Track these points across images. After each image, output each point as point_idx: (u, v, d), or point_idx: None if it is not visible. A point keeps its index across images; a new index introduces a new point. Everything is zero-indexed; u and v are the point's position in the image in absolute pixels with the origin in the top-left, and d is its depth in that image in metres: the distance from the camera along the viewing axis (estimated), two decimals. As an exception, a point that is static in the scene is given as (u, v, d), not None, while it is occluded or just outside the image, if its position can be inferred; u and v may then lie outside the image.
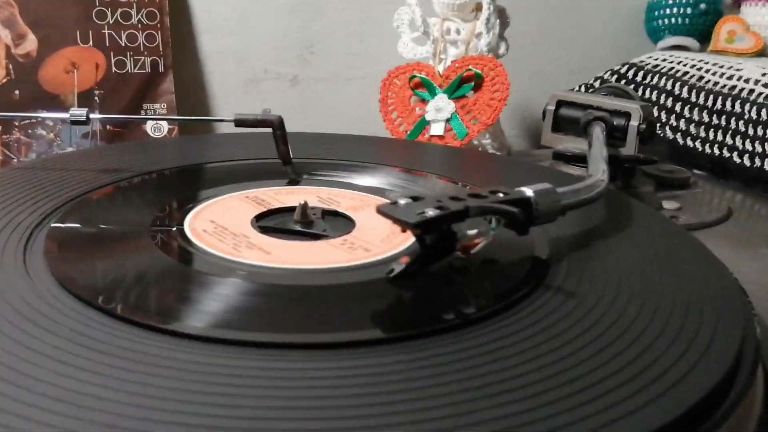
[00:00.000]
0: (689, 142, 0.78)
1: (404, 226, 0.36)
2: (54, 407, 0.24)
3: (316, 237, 0.43)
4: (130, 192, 0.48)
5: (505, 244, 0.40)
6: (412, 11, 0.71)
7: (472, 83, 0.67)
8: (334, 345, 0.30)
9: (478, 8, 0.71)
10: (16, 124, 0.64)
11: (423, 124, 0.69)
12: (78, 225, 0.41)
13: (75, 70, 0.65)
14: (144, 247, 0.39)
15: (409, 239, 0.42)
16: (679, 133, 0.79)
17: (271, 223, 0.45)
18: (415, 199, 0.37)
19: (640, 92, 0.83)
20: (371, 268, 0.38)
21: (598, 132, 0.60)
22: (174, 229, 0.41)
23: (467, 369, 0.28)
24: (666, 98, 0.81)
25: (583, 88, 0.84)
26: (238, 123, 0.51)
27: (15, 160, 0.64)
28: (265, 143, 0.55)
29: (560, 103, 0.68)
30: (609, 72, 0.86)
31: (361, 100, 0.74)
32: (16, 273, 0.35)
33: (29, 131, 0.64)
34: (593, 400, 0.26)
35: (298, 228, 0.44)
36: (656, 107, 0.81)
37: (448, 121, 0.67)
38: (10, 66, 0.64)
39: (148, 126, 0.67)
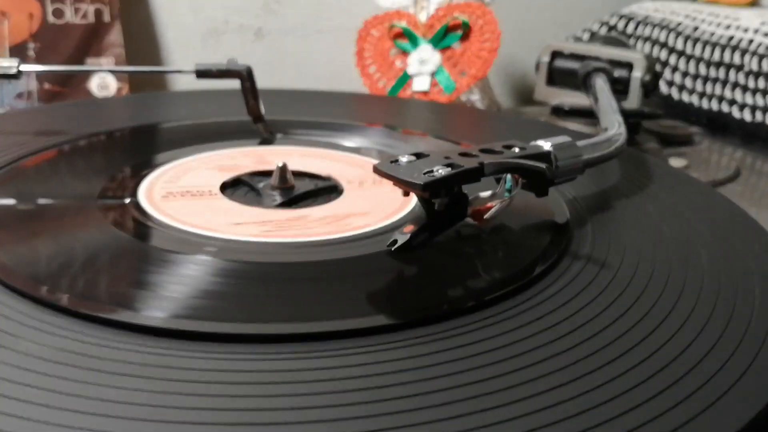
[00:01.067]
0: (684, 97, 0.73)
1: (409, 187, 0.30)
2: None
3: (296, 204, 0.36)
4: (73, 157, 0.41)
5: (519, 209, 0.34)
6: (390, -46, 0.63)
7: (459, 32, 0.61)
8: (319, 336, 0.23)
9: (462, -50, 0.64)
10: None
11: (405, 78, 0.62)
12: (11, 199, 0.34)
13: (5, 21, 0.56)
14: (91, 222, 0.32)
15: (403, 208, 0.36)
16: (673, 87, 0.74)
17: (242, 189, 0.38)
18: (418, 156, 0.31)
19: (631, 44, 0.77)
20: (362, 240, 0.32)
21: (601, 83, 0.54)
22: (127, 200, 0.34)
23: (481, 368, 0.22)
24: (659, 50, 0.75)
25: (571, 41, 0.77)
26: (200, 74, 0.44)
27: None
28: (231, 101, 0.48)
29: (555, 55, 0.62)
30: (598, 23, 0.80)
31: (333, 54, 0.67)
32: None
33: (-45, 91, 0.55)
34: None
35: (275, 195, 0.37)
36: (649, 60, 0.75)
37: (433, 74, 0.61)
38: (-72, 15, 0.55)
39: (93, 84, 0.59)
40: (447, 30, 0.61)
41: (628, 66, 0.57)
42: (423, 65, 0.61)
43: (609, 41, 0.65)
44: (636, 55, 0.57)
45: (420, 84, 0.61)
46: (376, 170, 0.30)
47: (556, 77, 0.62)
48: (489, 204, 0.33)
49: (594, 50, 0.60)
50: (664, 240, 0.33)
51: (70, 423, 0.18)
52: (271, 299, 0.27)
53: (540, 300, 0.27)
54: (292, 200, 0.36)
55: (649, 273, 0.29)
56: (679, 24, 0.75)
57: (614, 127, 0.42)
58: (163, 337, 0.23)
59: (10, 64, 0.42)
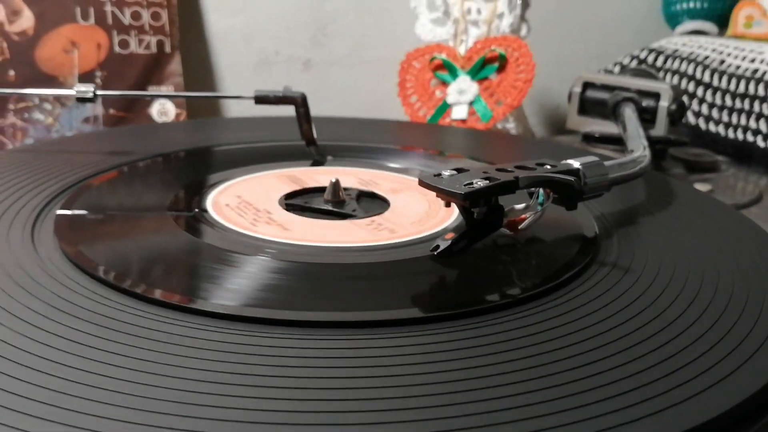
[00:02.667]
0: (711, 127, 0.75)
1: (451, 197, 0.33)
2: (84, 393, 0.22)
3: (348, 216, 0.40)
4: (139, 176, 0.45)
5: (550, 222, 0.37)
6: (429, -10, 0.68)
7: (496, 64, 0.64)
8: (364, 324, 0.27)
9: (499, -13, 0.68)
10: (11, 107, 0.60)
11: (444, 107, 0.66)
12: (84, 210, 0.38)
13: (75, 50, 0.61)
14: (165, 229, 0.36)
15: (445, 220, 0.39)
16: (701, 118, 0.76)
17: (299, 201, 0.41)
18: (459, 170, 0.34)
19: (660, 77, 0.80)
20: (407, 246, 0.35)
21: (629, 112, 0.57)
22: (195, 210, 0.38)
23: (510, 350, 0.26)
24: (687, 83, 0.78)
25: (603, 74, 0.81)
26: (259, 100, 0.48)
27: (10, 146, 0.60)
28: (279, 127, 0.52)
29: (586, 85, 0.65)
30: (629, 57, 0.83)
31: (376, 84, 0.71)
32: (25, 255, 0.31)
33: (25, 115, 0.60)
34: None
35: (327, 207, 0.41)
36: (678, 92, 0.78)
37: (471, 103, 0.64)
38: (5, 44, 0.60)
39: (154, 110, 0.64)
40: (484, 62, 0.65)
41: (656, 96, 0.60)
42: (461, 95, 0.65)
43: (638, 73, 0.68)
44: (663, 86, 0.60)
45: (458, 113, 0.64)
46: (421, 183, 0.34)
47: (588, 107, 0.65)
48: (523, 216, 0.36)
49: (623, 81, 0.63)
50: (685, 251, 0.36)
51: (161, 394, 0.22)
52: (322, 293, 0.30)
53: (567, 300, 0.30)
54: (342, 212, 0.40)
55: (668, 279, 0.32)
56: (706, 57, 0.78)
57: (639, 150, 0.45)
58: (235, 321, 0.27)
59: (87, 89, 0.47)
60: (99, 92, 0.47)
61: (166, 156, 0.47)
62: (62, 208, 0.37)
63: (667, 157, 0.62)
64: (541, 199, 0.36)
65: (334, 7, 0.73)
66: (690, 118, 0.77)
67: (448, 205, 0.34)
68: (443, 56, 0.66)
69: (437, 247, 0.34)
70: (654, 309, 0.29)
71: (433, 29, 0.69)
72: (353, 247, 0.35)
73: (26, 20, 0.60)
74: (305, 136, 0.48)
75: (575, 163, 0.37)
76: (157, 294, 0.28)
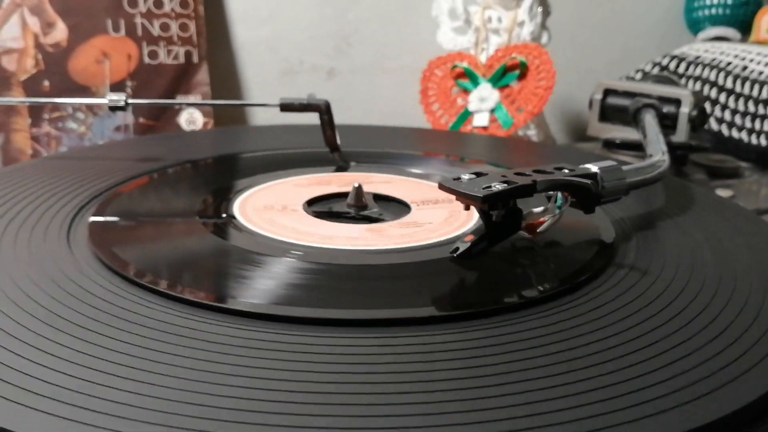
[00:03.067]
0: (734, 133, 0.75)
1: (470, 200, 0.34)
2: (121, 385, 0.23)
3: (371, 220, 0.41)
4: (168, 182, 0.46)
5: (569, 226, 0.38)
6: (453, 0, 0.69)
7: (517, 72, 0.65)
8: (387, 322, 0.28)
9: (520, -4, 0.69)
10: (46, 117, 0.62)
11: (466, 115, 0.66)
12: (116, 217, 0.39)
13: (106, 61, 0.63)
14: (194, 230, 0.37)
15: (464, 224, 0.40)
16: (723, 125, 0.76)
17: (322, 206, 0.43)
18: (478, 174, 0.35)
19: (683, 83, 0.81)
20: (428, 249, 0.36)
21: (649, 118, 0.58)
22: (224, 215, 0.39)
23: (528, 349, 0.26)
24: (710, 89, 0.78)
25: (624, 81, 0.81)
26: (284, 107, 0.49)
27: (45, 154, 0.62)
28: (304, 134, 0.53)
29: (607, 92, 0.66)
30: (651, 64, 0.83)
31: (399, 92, 0.72)
32: (62, 258, 0.33)
33: (59, 124, 0.62)
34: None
35: (351, 211, 0.42)
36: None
37: (492, 111, 0.65)
38: (39, 56, 0.62)
39: (182, 119, 0.65)
40: (505, 69, 0.66)
41: (677, 102, 0.61)
42: (483, 102, 0.66)
43: (660, 80, 0.69)
44: (684, 92, 0.61)
45: (480, 120, 0.65)
46: (441, 186, 0.34)
47: (608, 113, 0.65)
48: (541, 219, 0.37)
49: (644, 88, 0.63)
50: (703, 254, 0.36)
51: (182, 384, 0.23)
52: (345, 292, 0.31)
53: (584, 301, 0.31)
54: (365, 216, 0.41)
55: (686, 281, 0.33)
56: (729, 63, 0.78)
57: (658, 155, 0.46)
58: (259, 319, 0.28)
59: (119, 98, 0.48)
60: (130, 101, 0.48)
61: (194, 162, 0.49)
62: (95, 214, 0.38)
63: (689, 163, 0.62)
64: (559, 202, 0.37)
65: (357, 17, 0.75)
66: (713, 124, 0.77)
67: (467, 208, 0.35)
68: (464, 64, 0.67)
69: (457, 249, 0.35)
70: (671, 309, 0.30)
71: (455, 38, 0.70)
72: (373, 249, 0.36)
73: (60, 32, 0.62)
74: (329, 142, 0.49)
75: (593, 168, 0.38)
76: (188, 294, 0.29)
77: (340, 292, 0.31)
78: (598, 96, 0.66)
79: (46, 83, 0.62)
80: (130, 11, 0.64)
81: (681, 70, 0.82)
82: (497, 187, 0.34)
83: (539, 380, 0.24)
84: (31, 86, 0.62)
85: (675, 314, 0.30)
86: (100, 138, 0.63)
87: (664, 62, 0.83)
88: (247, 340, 0.26)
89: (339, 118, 0.68)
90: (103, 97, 0.60)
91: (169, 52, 0.65)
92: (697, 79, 0.80)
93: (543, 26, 0.71)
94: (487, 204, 0.33)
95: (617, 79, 0.81)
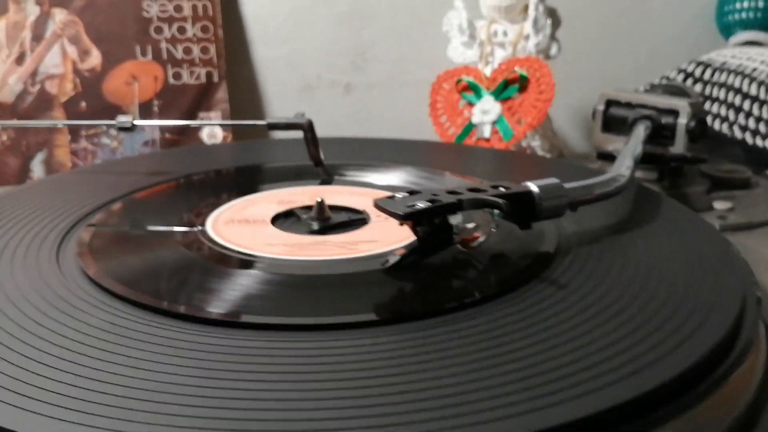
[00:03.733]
0: (758, 142, 0.74)
1: (394, 217, 0.37)
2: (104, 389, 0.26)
3: (328, 232, 0.44)
4: (169, 193, 0.51)
5: (518, 238, 0.40)
6: (459, 15, 0.71)
7: (517, 85, 0.67)
8: (326, 327, 0.31)
9: (527, 10, 0.71)
10: (83, 133, 0.68)
11: (470, 127, 0.69)
12: (108, 227, 0.44)
13: (135, 83, 0.69)
14: (166, 244, 0.42)
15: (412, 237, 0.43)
16: (747, 132, 0.75)
17: (291, 219, 0.46)
18: (412, 193, 0.38)
19: (708, 90, 0.80)
20: (369, 260, 0.39)
21: (639, 130, 0.59)
22: (197, 228, 0.44)
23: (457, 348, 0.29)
24: (734, 96, 0.77)
25: (627, 91, 0.81)
26: (271, 126, 0.53)
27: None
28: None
29: (609, 103, 0.66)
30: (676, 71, 0.83)
31: (414, 105, 0.75)
32: (50, 273, 0.37)
33: (95, 140, 0.68)
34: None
35: (313, 224, 0.45)
36: (725, 106, 0.77)
37: (494, 123, 0.67)
38: (77, 80, 0.68)
39: (204, 134, 0.71)
40: (507, 83, 0.68)
41: (675, 113, 0.61)
42: (485, 115, 0.68)
43: (669, 90, 0.69)
44: (681, 103, 0.61)
45: (482, 132, 0.68)
46: (375, 204, 0.38)
47: (611, 124, 0.66)
48: (475, 234, 0.40)
49: (644, 99, 0.64)
50: (638, 271, 0.38)
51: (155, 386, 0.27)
52: (291, 300, 0.35)
53: (508, 306, 0.33)
54: (325, 228, 0.44)
55: (613, 298, 0.34)
56: (754, 70, 0.77)
57: (619, 170, 0.47)
58: (219, 326, 0.31)
59: (126, 119, 0.53)
60: (137, 122, 0.54)
61: (192, 175, 0.53)
62: (89, 224, 0.44)
63: (686, 174, 0.62)
64: (495, 217, 0.39)
65: (372, 34, 0.78)
66: (737, 132, 0.76)
67: (401, 224, 0.38)
68: (469, 78, 0.70)
69: (387, 261, 0.38)
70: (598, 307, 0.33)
71: (464, 52, 0.72)
72: (324, 260, 0.39)
73: (95, 58, 0.68)
74: (313, 157, 0.53)
75: (533, 186, 0.40)
76: (147, 300, 0.33)
77: (286, 300, 0.35)
78: (601, 107, 0.66)
79: (83, 104, 0.68)
80: (156, 37, 0.69)
81: (706, 76, 0.81)
82: (419, 205, 0.36)
83: (470, 373, 0.27)
84: (70, 107, 0.68)
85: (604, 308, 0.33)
86: (130, 152, 0.68)
87: (690, 69, 0.82)
88: (199, 344, 0.30)
89: (356, 130, 0.72)
90: (134, 114, 0.66)
91: (191, 73, 0.70)
92: (722, 86, 0.79)
93: (552, 38, 0.72)
94: (409, 221, 0.37)
95: (642, 88, 0.81)
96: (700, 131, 0.62)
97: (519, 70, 0.67)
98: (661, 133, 0.62)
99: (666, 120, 0.62)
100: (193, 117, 0.70)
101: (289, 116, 0.53)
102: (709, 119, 0.79)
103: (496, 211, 0.39)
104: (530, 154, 0.70)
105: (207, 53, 0.70)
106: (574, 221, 0.44)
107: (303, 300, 0.35)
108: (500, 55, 0.70)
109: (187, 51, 0.70)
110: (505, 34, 0.70)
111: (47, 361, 0.28)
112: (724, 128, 0.77)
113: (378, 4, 0.78)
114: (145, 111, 0.69)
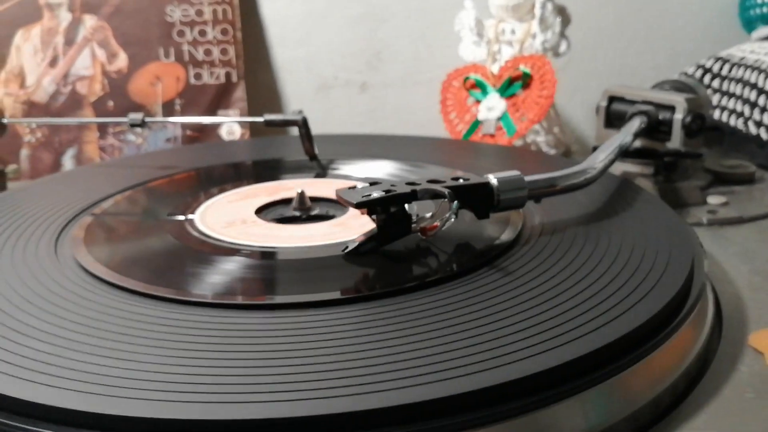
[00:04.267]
0: (774, 137, 0.74)
1: (349, 205, 0.39)
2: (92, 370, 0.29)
3: (308, 221, 0.47)
4: (172, 185, 0.55)
5: (481, 226, 0.43)
6: (469, 15, 0.73)
7: (520, 82, 0.69)
8: (283, 306, 0.35)
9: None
10: (111, 130, 0.73)
11: (477, 123, 0.71)
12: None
13: (159, 83, 0.74)
14: (156, 231, 0.45)
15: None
16: (762, 128, 0.75)
17: (275, 209, 0.49)
18: (372, 183, 0.41)
19: (726, 86, 0.79)
20: (333, 247, 0.42)
21: (631, 124, 0.60)
22: (182, 217, 0.47)
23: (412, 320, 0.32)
24: (750, 91, 0.77)
25: (627, 87, 0.81)
26: (268, 123, 0.56)
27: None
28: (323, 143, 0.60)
29: (612, 99, 0.67)
30: (695, 66, 0.83)
31: (429, 103, 0.77)
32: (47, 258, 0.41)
33: (121, 137, 0.73)
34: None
35: (295, 213, 0.48)
36: (741, 101, 0.77)
37: (499, 119, 0.69)
38: (105, 81, 0.73)
39: (223, 131, 0.75)
40: (511, 80, 0.69)
41: (672, 109, 0.62)
42: (490, 111, 0.69)
43: (676, 86, 0.69)
44: (678, 98, 0.62)
45: (487, 128, 0.69)
46: (336, 194, 0.40)
47: (614, 120, 0.67)
48: (435, 223, 0.42)
49: (644, 95, 0.65)
50: (599, 253, 0.40)
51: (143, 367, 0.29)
52: (255, 282, 0.39)
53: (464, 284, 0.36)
54: (306, 218, 0.48)
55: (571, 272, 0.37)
56: (772, 65, 0.76)
57: (592, 162, 0.49)
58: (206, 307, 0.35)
59: (137, 116, 0.57)
60: (147, 119, 0.58)
61: (200, 169, 0.57)
62: (92, 215, 0.48)
63: (687, 169, 0.63)
64: (454, 207, 0.42)
65: (387, 35, 0.81)
66: (751, 128, 0.76)
67: (362, 212, 0.41)
68: (476, 76, 0.71)
69: (346, 247, 0.41)
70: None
71: (474, 50, 0.74)
72: (294, 247, 0.42)
73: (121, 61, 0.73)
74: (307, 152, 0.56)
75: (492, 179, 0.42)
76: (128, 284, 0.37)
77: (254, 282, 0.39)
78: (603, 103, 0.67)
79: (111, 103, 0.73)
80: (178, 40, 0.74)
81: (724, 72, 0.80)
82: (374, 195, 0.39)
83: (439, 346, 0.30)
84: (98, 106, 0.73)
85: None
86: (153, 147, 0.73)
87: (708, 64, 0.82)
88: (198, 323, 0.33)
89: (371, 128, 0.75)
90: (156, 114, 0.70)
91: (211, 73, 0.74)
92: (738, 81, 0.78)
93: (562, 35, 0.73)
94: (361, 209, 0.39)
95: (657, 83, 0.82)
96: (696, 127, 0.62)
97: (522, 68, 0.69)
98: (658, 129, 0.63)
99: (663, 115, 0.63)
100: (213, 115, 0.74)
101: (285, 114, 0.56)
102: (725, 115, 0.79)
103: (456, 202, 0.41)
104: (528, 150, 0.71)
105: (226, 54, 0.74)
106: (543, 210, 0.46)
107: (271, 282, 0.39)
108: (508, 53, 0.72)
109: (208, 53, 0.74)
110: (513, 32, 0.72)
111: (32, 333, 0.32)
112: (740, 124, 0.77)
113: (392, 5, 0.81)
114: (168, 110, 0.74)
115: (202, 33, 0.74)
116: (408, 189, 0.40)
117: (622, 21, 0.86)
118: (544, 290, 0.35)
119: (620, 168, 0.64)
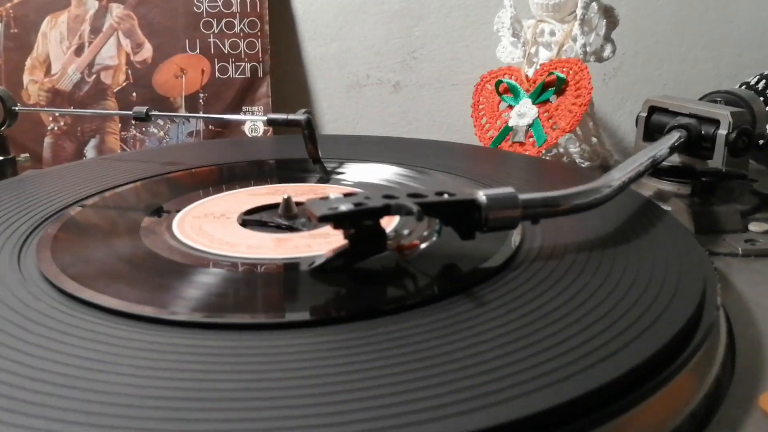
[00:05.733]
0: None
1: (312, 218, 0.36)
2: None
3: (292, 230, 0.44)
4: (162, 184, 0.53)
5: (468, 248, 0.39)
6: (507, 13, 0.69)
7: (554, 88, 0.64)
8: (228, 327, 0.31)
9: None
10: (133, 122, 0.72)
11: (507, 130, 0.66)
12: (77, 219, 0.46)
13: (183, 75, 0.72)
14: (128, 236, 0.43)
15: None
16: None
17: (259, 215, 0.47)
18: (346, 195, 0.38)
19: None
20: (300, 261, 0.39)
21: (667, 138, 0.54)
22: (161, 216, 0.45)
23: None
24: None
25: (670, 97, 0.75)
26: (270, 122, 0.54)
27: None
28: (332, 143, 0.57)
29: (653, 109, 0.62)
30: (758, 77, 0.76)
31: (465, 107, 0.73)
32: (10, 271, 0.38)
33: (143, 129, 0.72)
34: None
35: (279, 221, 0.45)
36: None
37: (530, 126, 0.65)
38: (129, 71, 0.72)
39: (246, 127, 0.73)
40: (545, 85, 0.65)
41: (716, 123, 0.56)
42: (521, 118, 0.65)
43: (727, 97, 0.63)
44: (723, 112, 0.56)
45: (517, 136, 0.65)
46: (305, 204, 0.37)
47: (653, 133, 0.61)
48: (414, 242, 0.39)
49: (688, 106, 0.59)
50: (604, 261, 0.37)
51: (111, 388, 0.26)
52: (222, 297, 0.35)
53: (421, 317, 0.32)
54: (288, 226, 0.45)
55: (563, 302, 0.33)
56: None
57: (604, 181, 0.44)
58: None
59: (141, 110, 0.56)
60: (152, 113, 0.56)
61: (204, 167, 0.55)
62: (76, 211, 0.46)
63: (733, 190, 0.57)
64: (437, 226, 0.38)
65: (424, 33, 0.77)
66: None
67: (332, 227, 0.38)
68: (509, 79, 0.67)
69: (313, 262, 0.38)
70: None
71: (512, 51, 0.70)
72: (258, 259, 0.39)
73: (147, 51, 0.72)
74: (310, 154, 0.53)
75: (481, 196, 0.38)
76: (88, 296, 0.34)
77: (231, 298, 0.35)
78: (644, 114, 0.62)
79: (134, 94, 0.72)
80: (204, 32, 0.72)
81: (789, 84, 0.73)
82: (342, 208, 0.36)
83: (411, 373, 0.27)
84: (121, 97, 0.72)
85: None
86: (175, 141, 0.72)
87: (772, 75, 0.75)
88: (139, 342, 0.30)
89: (403, 129, 0.72)
90: (180, 106, 0.69)
91: (237, 67, 0.72)
92: (804, 94, 0.71)
93: (607, 39, 0.68)
94: (326, 223, 0.36)
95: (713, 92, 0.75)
96: (743, 144, 0.56)
97: (556, 73, 0.64)
98: (701, 145, 0.57)
99: (706, 130, 0.57)
100: (237, 110, 0.72)
101: (288, 113, 0.54)
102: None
103: (439, 222, 0.38)
104: (553, 162, 0.66)
105: (253, 48, 0.72)
106: (547, 230, 0.42)
107: (227, 298, 0.35)
108: (545, 55, 0.67)
109: (234, 46, 0.72)
110: (552, 33, 0.67)
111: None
112: (804, 142, 0.70)
113: (430, 2, 0.77)
114: (191, 103, 0.72)
115: (230, 25, 0.72)
116: (381, 203, 0.36)
117: (681, 25, 0.79)
118: (520, 324, 0.31)
119: (654, 186, 0.59)
